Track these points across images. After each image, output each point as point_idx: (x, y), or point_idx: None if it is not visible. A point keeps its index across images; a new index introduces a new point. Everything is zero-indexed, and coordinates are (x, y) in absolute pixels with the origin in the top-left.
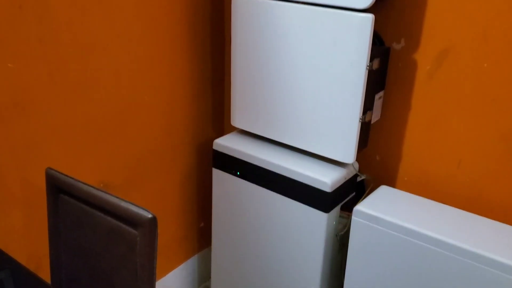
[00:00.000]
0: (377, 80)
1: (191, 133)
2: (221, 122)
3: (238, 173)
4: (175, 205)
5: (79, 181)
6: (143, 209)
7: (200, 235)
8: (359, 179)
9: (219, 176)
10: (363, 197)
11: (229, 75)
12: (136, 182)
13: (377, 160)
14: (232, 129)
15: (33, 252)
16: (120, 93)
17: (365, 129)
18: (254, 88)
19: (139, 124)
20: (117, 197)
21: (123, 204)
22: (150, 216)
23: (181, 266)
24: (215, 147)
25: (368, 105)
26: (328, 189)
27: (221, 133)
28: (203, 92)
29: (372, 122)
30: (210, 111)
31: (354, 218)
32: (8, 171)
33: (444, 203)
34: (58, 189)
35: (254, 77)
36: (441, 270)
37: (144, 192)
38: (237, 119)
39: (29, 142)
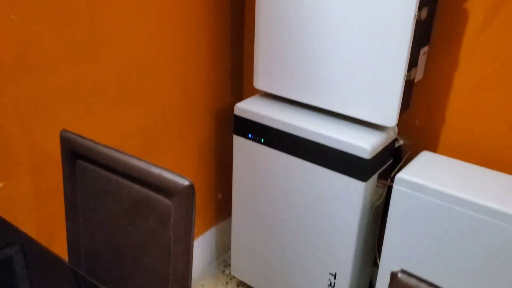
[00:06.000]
0: (423, 33)
1: (208, 97)
2: (240, 86)
3: (263, 140)
4: (192, 175)
5: (99, 143)
6: (179, 175)
7: (218, 206)
8: (397, 144)
9: (240, 144)
10: (401, 164)
11: (249, 34)
12: (151, 150)
13: (416, 125)
14: (251, 94)
15: (44, 226)
16: (133, 51)
17: (409, 88)
18: (281, 45)
19: (153, 85)
20: (146, 162)
21: (154, 169)
22: (187, 183)
23: (199, 239)
24: (236, 112)
25: (412, 61)
26: (367, 155)
27: (240, 98)
28: (221, 52)
29: (415, 80)
30: (228, 74)
31: (395, 186)
32: (15, 136)
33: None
34: (75, 154)
35: (281, 32)
36: (492, 240)
37: (160, 161)
38: (261, 81)
39: (36, 104)
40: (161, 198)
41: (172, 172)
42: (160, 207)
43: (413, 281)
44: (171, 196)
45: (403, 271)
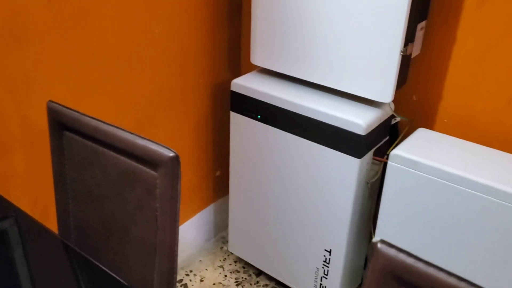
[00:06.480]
0: (420, 8)
1: (205, 73)
2: (237, 61)
3: (259, 116)
4: (189, 152)
5: (86, 115)
6: (164, 146)
7: (216, 184)
8: (393, 121)
9: (237, 120)
10: (398, 140)
11: (247, 9)
12: (146, 125)
13: (413, 101)
14: (249, 70)
15: (38, 200)
16: (127, 24)
17: (405, 63)
18: (278, 21)
19: (149, 59)
20: (132, 133)
21: (140, 141)
22: (172, 154)
23: (197, 216)
24: (233, 88)
25: (409, 36)
26: (361, 131)
27: (237, 74)
28: (219, 27)
29: (412, 56)
30: (226, 49)
31: (390, 163)
32: (6, 109)
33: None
34: (62, 126)
35: (278, 8)
36: (486, 216)
37: (156, 137)
38: (258, 57)
39: (28, 76)
40: (147, 169)
41: (157, 143)
42: (146, 178)
43: (392, 251)
44: (157, 167)
45: (382, 241)
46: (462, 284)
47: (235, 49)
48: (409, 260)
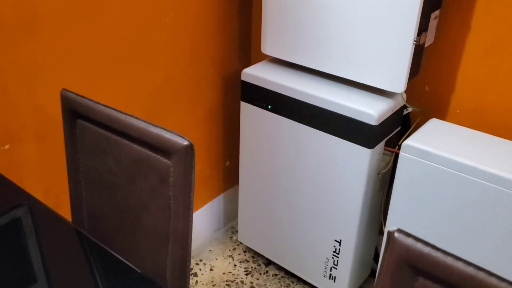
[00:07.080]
0: None
1: (216, 63)
2: (248, 51)
3: (270, 106)
4: (199, 142)
5: (99, 103)
6: (178, 134)
7: (226, 174)
8: (405, 111)
9: (247, 110)
10: (410, 131)
11: None
12: (157, 115)
13: (426, 91)
14: (259, 59)
15: (51, 189)
16: (138, 13)
17: (418, 53)
18: (289, 9)
19: (159, 49)
20: (145, 121)
21: (153, 129)
22: (186, 143)
23: (207, 206)
24: (243, 77)
25: (423, 26)
26: (373, 122)
27: (248, 64)
28: (229, 16)
29: (425, 46)
30: (236, 39)
31: (402, 153)
32: (18, 98)
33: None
34: (75, 114)
35: None
36: (497, 207)
37: (166, 127)
38: (269, 46)
39: (40, 65)
40: (160, 157)
41: (171, 132)
42: (159, 166)
43: (409, 241)
44: (170, 156)
45: (399, 231)
46: (481, 273)
47: (246, 38)
48: (427, 250)
